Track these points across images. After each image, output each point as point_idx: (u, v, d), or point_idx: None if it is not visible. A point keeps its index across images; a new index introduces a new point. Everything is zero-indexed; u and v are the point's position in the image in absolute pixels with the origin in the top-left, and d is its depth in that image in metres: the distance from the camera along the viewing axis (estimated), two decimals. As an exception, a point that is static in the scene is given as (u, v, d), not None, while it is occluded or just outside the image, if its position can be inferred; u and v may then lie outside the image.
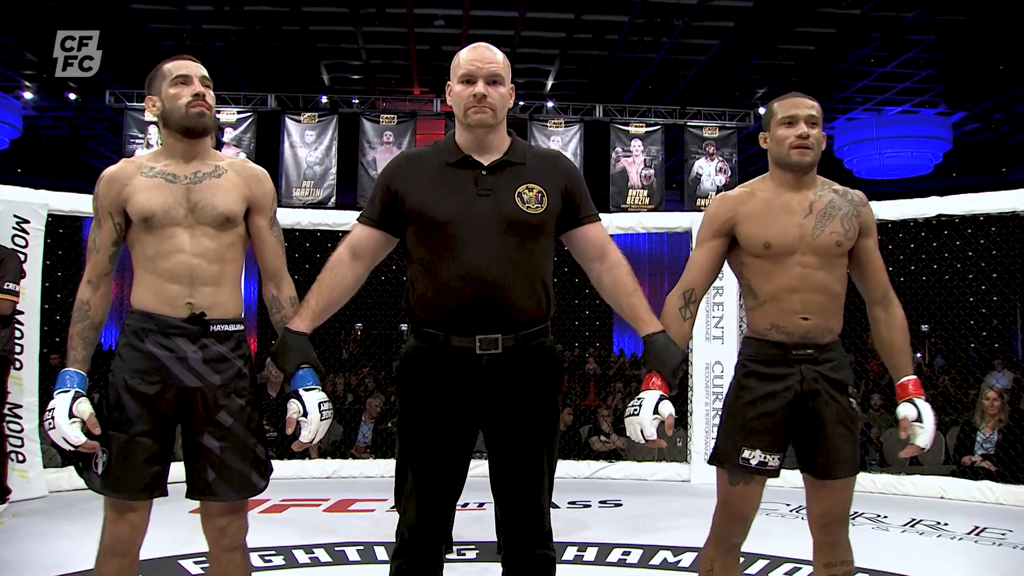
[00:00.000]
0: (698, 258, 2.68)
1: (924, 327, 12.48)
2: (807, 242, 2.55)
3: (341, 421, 7.20)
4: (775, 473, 2.57)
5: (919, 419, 2.56)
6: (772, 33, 11.99)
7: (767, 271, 2.57)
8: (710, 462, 2.66)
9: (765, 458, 2.53)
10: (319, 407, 2.38)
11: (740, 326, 6.21)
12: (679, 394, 7.06)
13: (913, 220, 5.90)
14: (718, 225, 2.66)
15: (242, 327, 2.50)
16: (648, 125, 12.64)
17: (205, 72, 2.50)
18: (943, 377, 10.67)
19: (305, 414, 2.37)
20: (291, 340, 2.40)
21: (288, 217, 6.10)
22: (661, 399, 2.39)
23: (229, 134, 11.72)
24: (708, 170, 12.73)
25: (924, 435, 2.55)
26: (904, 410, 2.58)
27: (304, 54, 13.02)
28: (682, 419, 6.29)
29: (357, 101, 12.79)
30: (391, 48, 12.92)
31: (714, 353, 6.17)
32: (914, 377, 2.63)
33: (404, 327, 5.38)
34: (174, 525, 3.60)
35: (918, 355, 11.25)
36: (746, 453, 2.54)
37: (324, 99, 12.72)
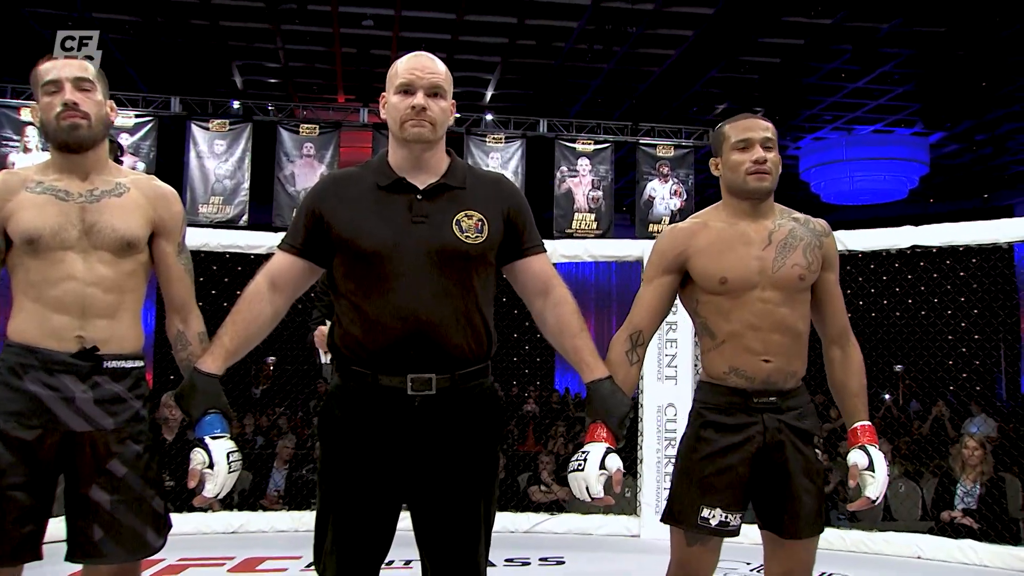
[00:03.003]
0: (646, 297, 2.72)
1: (897, 367, 12.75)
2: (767, 275, 2.60)
3: (250, 468, 7.10)
4: (735, 532, 2.61)
5: (870, 467, 2.62)
6: (734, 44, 12.21)
7: (725, 308, 2.61)
8: (664, 520, 2.69)
9: (726, 517, 2.56)
10: (227, 457, 2.35)
11: (695, 365, 6.27)
12: (628, 440, 7.11)
13: (885, 251, 6.03)
14: (668, 260, 2.70)
15: (141, 364, 2.47)
16: (597, 142, 12.79)
17: (85, 71, 2.44)
18: (917, 423, 10.93)
19: (211, 465, 2.33)
20: (199, 382, 2.37)
21: (194, 237, 5.98)
22: (608, 452, 2.41)
23: (125, 140, 11.53)
24: (661, 193, 12.90)
25: (875, 485, 2.61)
26: (855, 457, 2.64)
27: (214, 52, 12.91)
28: (631, 467, 6.32)
29: (274, 108, 12.72)
30: (313, 50, 12.88)
31: (667, 395, 6.22)
32: (868, 423, 2.70)
33: (323, 362, 5.37)
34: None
35: (887, 396, 11.47)
36: (705, 512, 2.57)
37: (236, 104, 12.62)
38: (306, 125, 12.39)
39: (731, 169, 2.65)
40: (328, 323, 3.94)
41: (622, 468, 2.42)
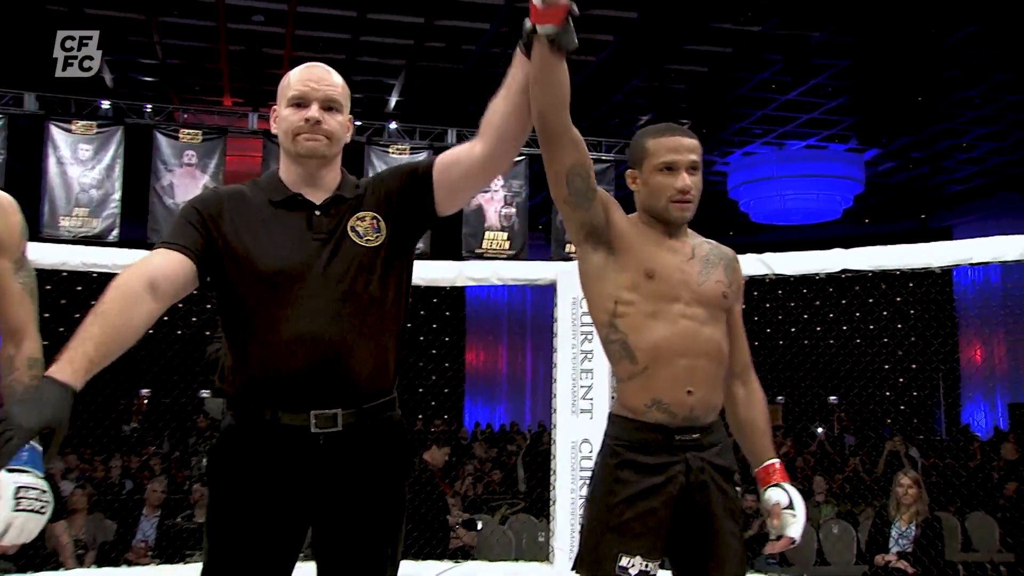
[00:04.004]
0: None
1: (831, 399, 13.00)
2: (692, 289, 2.63)
3: (114, 516, 6.95)
4: None
5: (791, 506, 2.68)
6: (658, 51, 12.39)
7: (647, 323, 2.59)
8: (576, 569, 2.67)
9: (646, 566, 2.55)
10: (15, 493, 2.05)
11: (613, 398, 6.31)
12: (539, 480, 7.13)
13: (815, 274, 6.17)
14: (603, 197, 2.66)
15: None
16: (509, 158, 12.83)
17: None
18: (852, 459, 11.19)
19: None
20: (48, 392, 2.00)
21: (52, 254, 5.91)
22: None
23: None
24: (580, 210, 12.99)
25: (797, 524, 2.67)
26: (776, 495, 2.70)
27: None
28: (543, 509, 6.35)
29: (150, 110, 12.49)
30: (195, 46, 12.71)
31: (581, 430, 6.25)
32: (778, 460, 2.77)
33: (205, 394, 5.29)
34: None
35: (820, 430, 11.73)
36: (624, 561, 2.54)
37: (105, 104, 12.34)
38: (187, 130, 12.19)
39: (652, 192, 2.67)
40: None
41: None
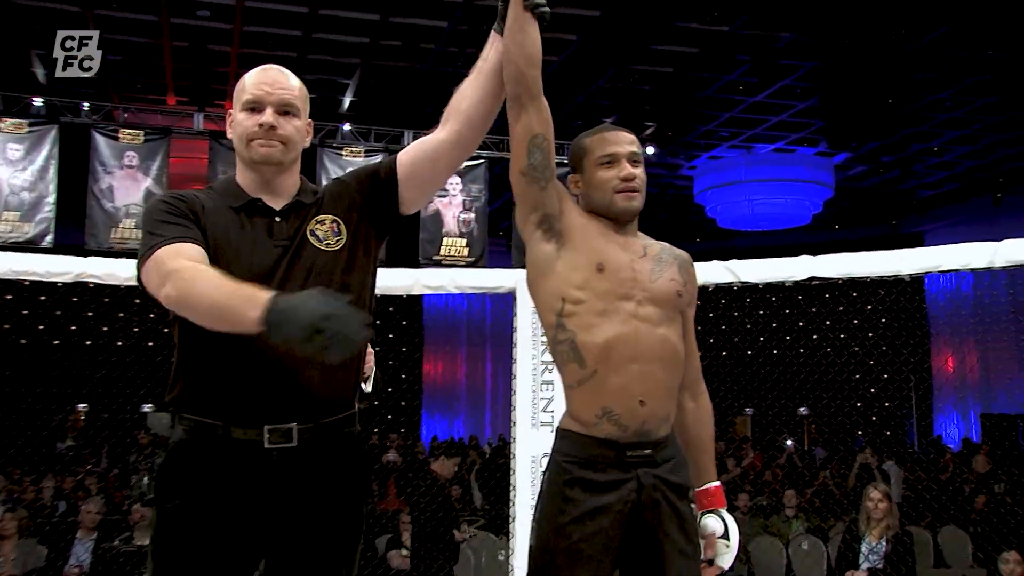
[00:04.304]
0: None
1: (802, 410, 13.12)
2: (643, 286, 2.63)
3: (44, 540, 6.85)
4: None
5: (726, 535, 2.71)
6: (623, 50, 12.44)
7: (596, 319, 2.58)
8: None
9: None
10: None
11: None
12: (499, 496, 7.12)
13: (782, 282, 6.21)
14: (560, 187, 2.70)
15: None
16: (468, 158, 12.80)
17: None
18: (823, 473, 11.28)
19: None
20: (285, 298, 1.95)
21: (-21, 261, 5.83)
22: None
23: None
24: (542, 214, 13.00)
25: (730, 555, 2.71)
26: (713, 524, 2.73)
27: (7, 37, 12.43)
28: (503, 526, 6.34)
29: (88, 108, 12.35)
30: (136, 41, 12.57)
31: (542, 444, 6.24)
32: (719, 483, 2.79)
33: (148, 408, 5.24)
34: None
35: (789, 442, 11.83)
36: None
37: (38, 102, 12.18)
38: (127, 130, 12.04)
39: (596, 188, 2.70)
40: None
41: None
